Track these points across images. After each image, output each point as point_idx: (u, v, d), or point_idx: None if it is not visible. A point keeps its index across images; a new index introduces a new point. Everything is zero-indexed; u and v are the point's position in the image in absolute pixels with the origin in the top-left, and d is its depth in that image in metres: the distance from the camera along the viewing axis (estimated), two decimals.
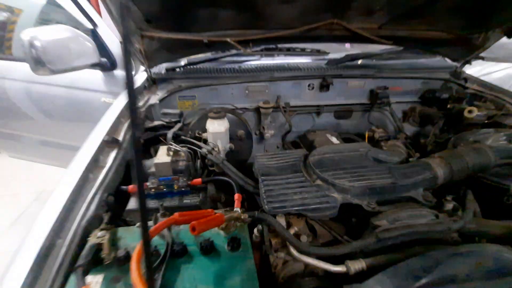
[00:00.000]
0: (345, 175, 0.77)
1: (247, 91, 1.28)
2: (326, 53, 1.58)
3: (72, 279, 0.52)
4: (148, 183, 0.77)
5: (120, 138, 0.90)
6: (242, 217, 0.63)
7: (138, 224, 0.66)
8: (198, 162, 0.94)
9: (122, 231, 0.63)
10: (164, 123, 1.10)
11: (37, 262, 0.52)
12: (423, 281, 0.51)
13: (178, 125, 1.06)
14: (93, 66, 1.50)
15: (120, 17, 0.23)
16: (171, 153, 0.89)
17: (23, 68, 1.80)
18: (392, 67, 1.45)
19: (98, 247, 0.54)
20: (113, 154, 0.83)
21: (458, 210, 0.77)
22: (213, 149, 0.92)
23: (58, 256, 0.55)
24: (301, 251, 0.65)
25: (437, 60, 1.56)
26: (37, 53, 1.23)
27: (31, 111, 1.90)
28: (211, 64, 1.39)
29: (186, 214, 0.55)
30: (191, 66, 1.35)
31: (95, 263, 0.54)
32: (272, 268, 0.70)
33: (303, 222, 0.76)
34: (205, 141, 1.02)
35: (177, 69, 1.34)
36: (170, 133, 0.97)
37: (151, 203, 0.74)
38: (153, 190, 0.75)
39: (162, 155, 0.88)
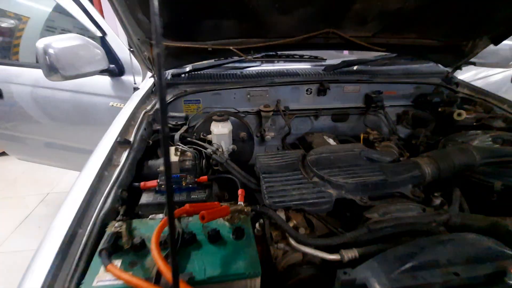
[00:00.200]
0: (340, 173, 0.84)
1: (248, 96, 1.36)
2: (323, 59, 1.66)
3: (95, 262, 0.58)
4: (158, 180, 0.83)
5: (131, 139, 0.97)
6: (246, 210, 0.69)
7: (150, 216, 0.72)
8: (203, 161, 1.00)
9: (136, 223, 0.69)
10: (171, 126, 1.17)
11: (62, 248, 0.59)
12: (408, 265, 0.57)
13: (184, 128, 1.12)
14: (102, 72, 1.58)
15: (157, 65, 0.28)
16: (178, 153, 0.96)
17: (30, 74, 1.88)
18: (386, 73, 1.53)
19: (117, 235, 0.60)
20: (125, 154, 0.89)
21: (445, 205, 0.84)
22: (217, 149, 0.98)
23: (80, 244, 0.61)
24: (299, 242, 0.71)
25: (429, 66, 1.64)
26: (51, 60, 1.32)
27: (38, 114, 1.97)
28: (214, 70, 1.47)
29: (196, 205, 0.62)
30: (196, 72, 1.42)
31: (114, 249, 0.60)
32: (273, 259, 0.76)
33: (301, 216, 0.82)
34: (210, 143, 1.08)
35: (182, 75, 1.42)
36: (177, 135, 1.04)
37: (162, 198, 0.80)
38: (163, 186, 0.81)
39: (170, 155, 0.95)
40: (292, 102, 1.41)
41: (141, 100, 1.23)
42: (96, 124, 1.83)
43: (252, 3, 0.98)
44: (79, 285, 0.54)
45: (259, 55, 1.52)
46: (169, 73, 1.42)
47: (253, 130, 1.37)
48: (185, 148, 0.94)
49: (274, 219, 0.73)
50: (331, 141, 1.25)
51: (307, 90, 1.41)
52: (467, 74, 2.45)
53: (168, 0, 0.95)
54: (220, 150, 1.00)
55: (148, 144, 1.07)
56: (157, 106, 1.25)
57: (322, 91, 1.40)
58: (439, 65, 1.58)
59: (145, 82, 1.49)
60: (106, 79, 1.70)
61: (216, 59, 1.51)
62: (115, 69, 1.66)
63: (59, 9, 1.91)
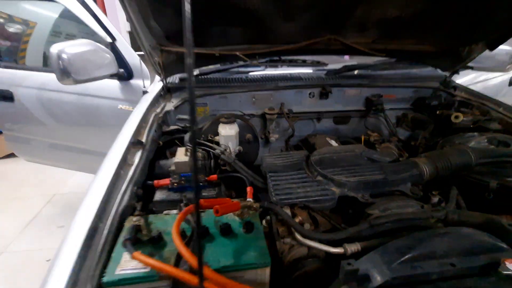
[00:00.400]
0: (343, 172, 0.88)
1: (254, 99, 1.41)
2: (325, 64, 1.72)
3: (116, 253, 0.62)
4: (170, 179, 0.88)
5: (143, 140, 1.02)
6: (254, 206, 0.74)
7: (165, 212, 0.77)
8: (211, 161, 1.05)
9: (152, 218, 0.74)
10: (180, 128, 1.22)
11: (86, 240, 0.63)
12: (407, 256, 0.61)
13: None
14: (112, 76, 1.64)
15: (188, 73, 0.31)
16: (188, 153, 1.01)
17: (38, 77, 1.94)
18: (386, 77, 1.58)
19: (137, 228, 0.65)
20: (138, 154, 0.94)
21: (442, 203, 0.88)
22: (225, 150, 1.03)
23: (102, 236, 0.66)
24: (305, 236, 0.75)
25: (428, 70, 1.69)
26: (64, 64, 1.37)
27: (47, 117, 2.03)
28: (220, 75, 1.53)
29: (209, 201, 0.66)
30: (202, 76, 1.48)
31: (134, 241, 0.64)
32: (279, 254, 0.80)
33: (305, 213, 0.87)
34: (217, 144, 1.13)
35: None
36: (186, 136, 1.09)
37: (174, 195, 0.85)
38: (175, 184, 0.86)
39: (181, 155, 0.99)
40: (296, 105, 1.46)
41: (151, 103, 1.28)
42: (104, 126, 1.89)
43: (258, 12, 1.03)
44: (102, 274, 0.58)
45: (263, 60, 1.57)
46: (177, 77, 1.48)
47: (258, 132, 1.42)
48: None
49: (281, 215, 0.78)
50: (334, 143, 1.30)
51: (310, 94, 1.46)
52: (466, 78, 2.50)
53: (178, 9, 1.00)
54: (228, 150, 1.04)
55: (158, 145, 1.12)
56: (166, 108, 1.30)
57: (324, 95, 1.45)
58: (437, 69, 1.64)
59: (153, 85, 1.54)
60: (115, 83, 1.76)
61: (222, 64, 1.57)
62: (124, 73, 1.72)
63: (65, 15, 1.98)
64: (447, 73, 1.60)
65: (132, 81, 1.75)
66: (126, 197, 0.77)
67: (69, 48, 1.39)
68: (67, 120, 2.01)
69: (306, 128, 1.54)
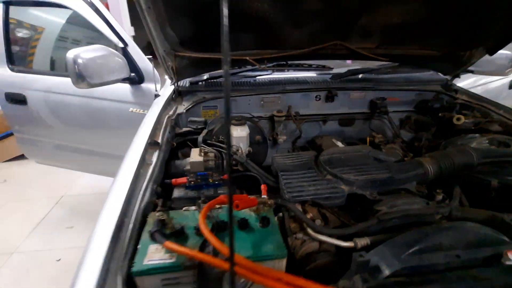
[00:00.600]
0: (351, 171, 0.93)
1: (262, 102, 1.46)
2: (330, 68, 1.77)
3: (142, 245, 0.67)
4: (187, 177, 0.93)
5: (159, 141, 1.07)
6: (269, 202, 0.78)
7: (184, 208, 0.81)
8: (224, 162, 1.10)
9: (172, 213, 0.78)
10: (192, 129, 1.27)
11: (114, 234, 0.67)
12: (415, 248, 0.65)
13: (205, 131, 1.22)
14: (124, 80, 1.70)
15: (225, 80, 0.35)
16: (202, 154, 1.05)
17: (48, 81, 2.00)
18: (390, 80, 1.63)
19: (162, 222, 0.69)
20: (156, 154, 0.99)
21: (446, 200, 0.92)
22: (237, 150, 1.08)
23: (128, 230, 0.70)
24: (317, 231, 0.79)
25: (430, 74, 1.74)
26: (79, 69, 1.43)
27: (61, 120, 2.08)
28: None
29: None
30: (212, 80, 1.53)
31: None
32: (291, 249, 0.84)
33: (316, 210, 0.91)
34: None
35: (199, 83, 1.52)
36: (200, 138, 1.14)
37: (192, 193, 0.89)
38: (192, 182, 0.91)
39: (195, 156, 1.04)
40: (303, 107, 1.51)
41: (163, 106, 1.33)
42: (116, 129, 1.94)
43: (270, 20, 1.09)
44: (131, 264, 0.63)
45: (271, 64, 1.63)
46: (187, 81, 1.53)
47: (266, 134, 1.47)
48: (210, 149, 1.04)
49: (293, 211, 0.82)
50: (340, 144, 1.34)
51: (316, 97, 1.51)
52: (468, 81, 2.56)
53: (193, 17, 1.06)
54: (240, 151, 1.09)
55: (172, 146, 1.17)
56: (178, 111, 1.35)
57: (330, 98, 1.50)
58: (439, 73, 1.69)
59: (164, 89, 1.60)
60: (126, 87, 1.82)
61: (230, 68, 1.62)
62: (135, 77, 1.77)
63: (71, 21, 2.05)
64: (448, 77, 1.65)
65: (143, 85, 1.81)
66: (147, 195, 0.82)
67: (84, 53, 1.44)
68: (78, 122, 2.06)
69: (312, 130, 1.59)
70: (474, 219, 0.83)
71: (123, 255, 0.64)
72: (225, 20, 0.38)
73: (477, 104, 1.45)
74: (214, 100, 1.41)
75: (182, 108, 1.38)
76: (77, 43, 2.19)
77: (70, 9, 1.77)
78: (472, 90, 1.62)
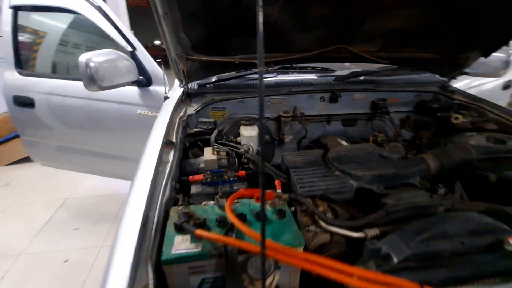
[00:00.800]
0: (358, 167, 0.98)
1: (269, 103, 1.51)
2: (333, 70, 1.84)
3: (167, 236, 0.71)
4: (204, 174, 0.97)
5: (174, 140, 1.11)
6: (284, 196, 0.83)
7: (203, 203, 0.85)
8: (236, 160, 1.14)
9: (193, 207, 0.82)
10: (203, 130, 1.32)
11: (142, 226, 0.72)
12: (423, 236, 0.70)
13: (216, 131, 1.27)
14: (132, 83, 1.74)
15: (259, 82, 0.39)
16: (215, 152, 1.10)
17: (46, 83, 2.03)
18: (390, 82, 1.70)
19: (187, 214, 0.74)
20: (172, 153, 1.03)
21: (448, 193, 0.98)
22: (248, 149, 1.13)
23: (153, 223, 0.74)
24: (329, 223, 0.84)
25: (428, 76, 1.81)
26: (91, 72, 1.47)
27: (70, 123, 2.11)
28: (236, 81, 1.64)
29: (248, 190, 0.75)
30: (220, 82, 1.59)
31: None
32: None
33: (326, 204, 0.96)
34: (239, 144, 1.22)
35: (208, 85, 1.58)
36: (212, 137, 1.18)
37: (209, 189, 0.94)
38: (209, 179, 0.95)
39: (209, 154, 1.09)
40: (308, 108, 1.57)
41: (174, 108, 1.38)
42: (124, 130, 1.98)
43: (277, 25, 1.15)
44: (159, 254, 0.67)
45: (276, 67, 1.69)
46: (195, 83, 1.58)
47: (273, 134, 1.52)
48: (223, 148, 1.08)
49: (306, 205, 0.87)
50: (344, 143, 1.39)
51: (320, 98, 1.57)
52: (462, 83, 2.64)
53: (207, 23, 1.12)
54: (251, 150, 1.14)
55: (185, 146, 1.21)
56: (188, 112, 1.40)
57: (334, 99, 1.56)
58: (436, 75, 1.76)
59: (173, 91, 1.65)
60: (134, 89, 1.86)
61: (237, 71, 1.68)
62: (143, 80, 1.82)
63: (73, 25, 2.10)
64: (445, 79, 1.72)
65: (151, 88, 1.85)
66: (168, 190, 0.86)
67: (95, 57, 1.49)
68: (85, 125, 2.10)
69: (316, 130, 1.64)
70: (475, 210, 0.89)
71: (151, 246, 0.68)
72: (261, 27, 0.43)
73: (474, 104, 1.53)
74: (222, 101, 1.46)
75: (191, 109, 1.43)
76: (77, 47, 2.23)
77: (80, 14, 1.82)
78: (467, 91, 1.69)
